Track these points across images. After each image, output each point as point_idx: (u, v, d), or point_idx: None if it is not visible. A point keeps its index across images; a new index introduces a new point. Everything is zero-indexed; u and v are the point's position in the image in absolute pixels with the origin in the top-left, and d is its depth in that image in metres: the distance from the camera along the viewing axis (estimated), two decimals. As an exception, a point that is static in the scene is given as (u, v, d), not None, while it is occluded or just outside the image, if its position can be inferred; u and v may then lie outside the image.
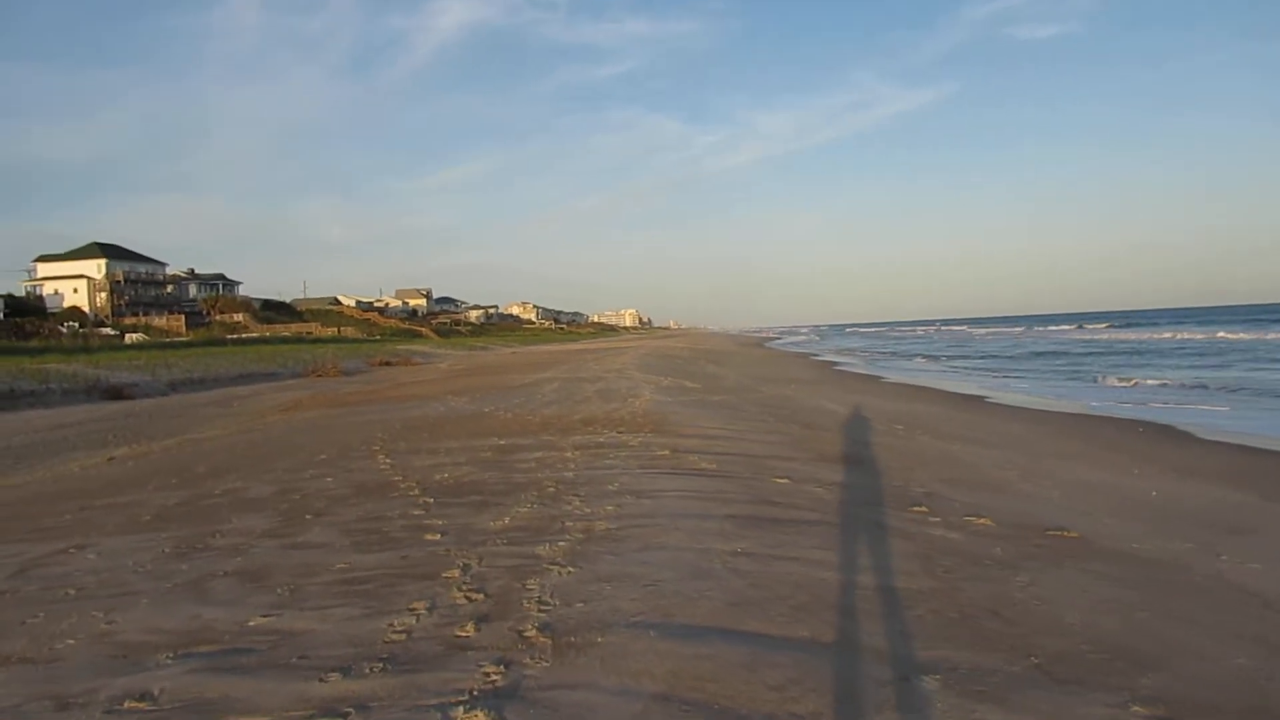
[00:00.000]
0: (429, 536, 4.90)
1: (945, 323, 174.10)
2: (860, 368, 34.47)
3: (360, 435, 10.69)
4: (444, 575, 4.09)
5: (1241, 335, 45.26)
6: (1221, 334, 47.78)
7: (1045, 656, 3.19)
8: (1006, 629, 3.46)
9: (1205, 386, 20.06)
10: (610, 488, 6.17)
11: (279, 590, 4.03)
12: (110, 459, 11.16)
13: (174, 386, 27.50)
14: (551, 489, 6.20)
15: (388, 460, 8.24)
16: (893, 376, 27.65)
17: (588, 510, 5.39)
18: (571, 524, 5.04)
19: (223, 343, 54.91)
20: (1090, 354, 37.37)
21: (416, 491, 6.43)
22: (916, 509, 5.90)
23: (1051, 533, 5.45)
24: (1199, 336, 47.33)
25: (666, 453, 7.80)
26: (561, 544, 4.58)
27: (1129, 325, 78.76)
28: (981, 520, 5.63)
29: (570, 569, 4.08)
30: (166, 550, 5.04)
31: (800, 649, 3.15)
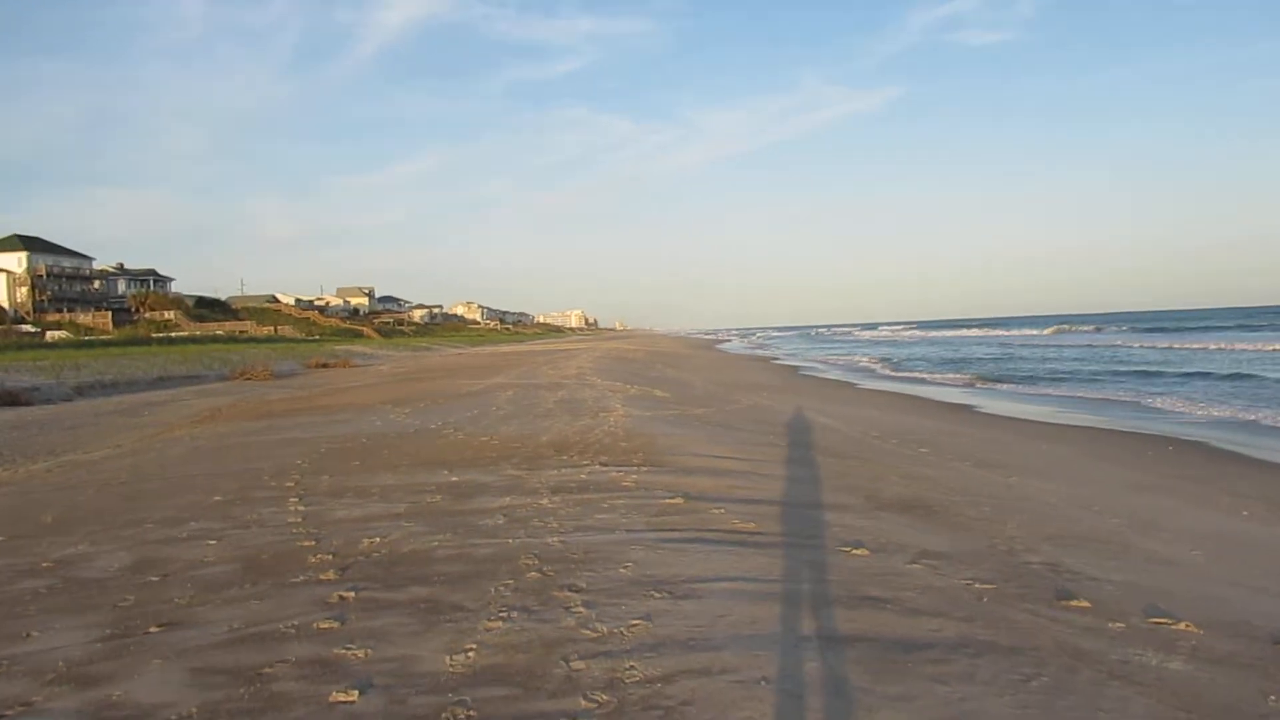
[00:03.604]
0: (339, 696, 2.83)
1: (863, 326, 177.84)
2: (825, 372, 33.10)
3: (275, 462, 8.51)
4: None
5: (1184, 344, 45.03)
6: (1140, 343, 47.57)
7: None
8: None
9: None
10: (622, 571, 4.16)
11: None
12: (-48, 492, 8.79)
13: (81, 391, 24.48)
14: (534, 573, 4.17)
15: (300, 507, 6.13)
16: (865, 383, 26.36)
17: (602, 629, 3.36)
18: (582, 665, 3.01)
19: (147, 342, 51.14)
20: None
21: (331, 573, 4.35)
22: (1073, 604, 4.03)
23: (1286, 645, 3.64)
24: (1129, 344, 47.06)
25: (679, 500, 5.83)
26: (575, 725, 2.57)
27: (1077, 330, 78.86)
28: (1179, 625, 3.78)
29: (609, 820, 2.08)
30: (-124, 716, 2.91)
31: None
